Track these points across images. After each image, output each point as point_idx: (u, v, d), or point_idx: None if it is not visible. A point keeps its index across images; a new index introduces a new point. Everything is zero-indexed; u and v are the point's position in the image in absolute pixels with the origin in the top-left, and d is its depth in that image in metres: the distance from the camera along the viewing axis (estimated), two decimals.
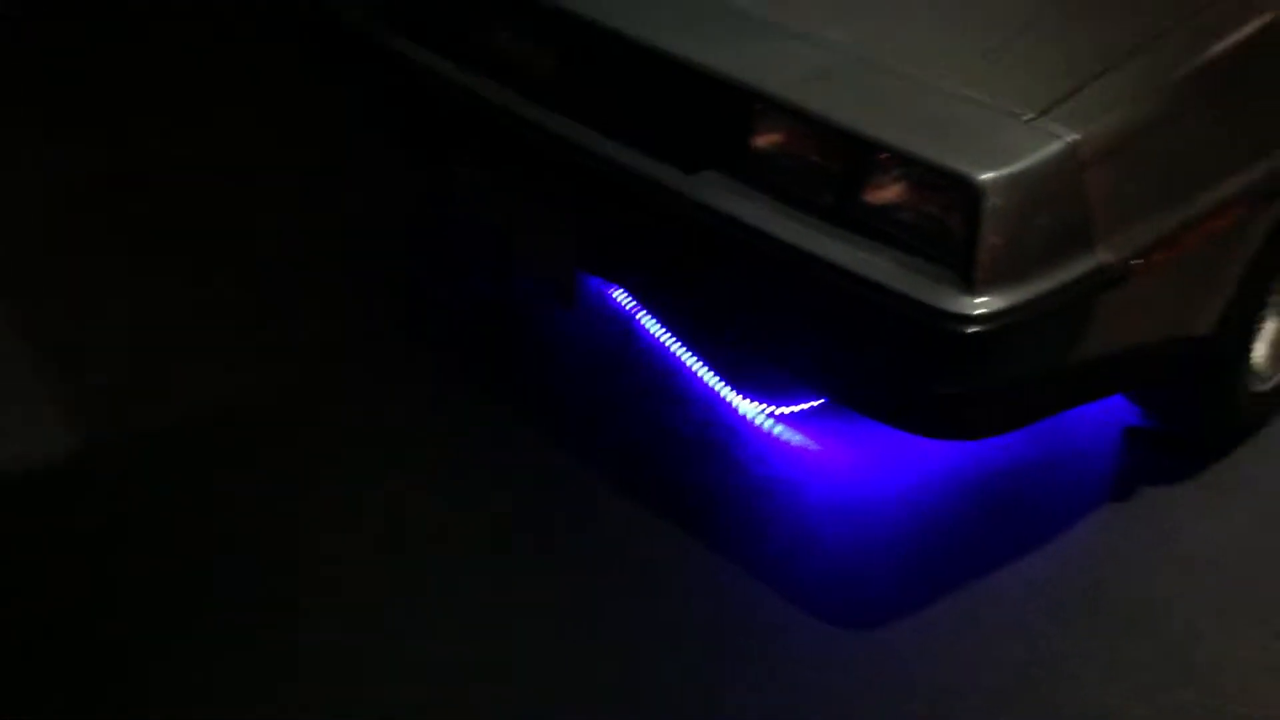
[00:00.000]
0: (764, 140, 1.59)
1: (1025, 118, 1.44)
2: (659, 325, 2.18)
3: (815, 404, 2.06)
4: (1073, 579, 1.83)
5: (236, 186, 2.66)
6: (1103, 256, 1.46)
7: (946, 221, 1.44)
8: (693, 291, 1.76)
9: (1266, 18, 1.61)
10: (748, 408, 2.11)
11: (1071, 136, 1.42)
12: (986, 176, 1.39)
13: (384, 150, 2.63)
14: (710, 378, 2.14)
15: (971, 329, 1.41)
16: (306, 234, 2.54)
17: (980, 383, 1.50)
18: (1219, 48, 1.57)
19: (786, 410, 2.09)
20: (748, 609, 1.78)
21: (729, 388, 2.12)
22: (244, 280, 2.40)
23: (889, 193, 1.49)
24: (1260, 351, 1.94)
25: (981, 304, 1.42)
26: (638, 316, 2.22)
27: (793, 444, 2.07)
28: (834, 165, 1.53)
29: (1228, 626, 1.75)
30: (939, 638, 1.74)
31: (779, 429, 2.10)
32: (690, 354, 2.15)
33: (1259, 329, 1.89)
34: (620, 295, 2.22)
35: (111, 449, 2.04)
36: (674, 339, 2.17)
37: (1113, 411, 2.03)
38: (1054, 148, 1.41)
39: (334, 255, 2.49)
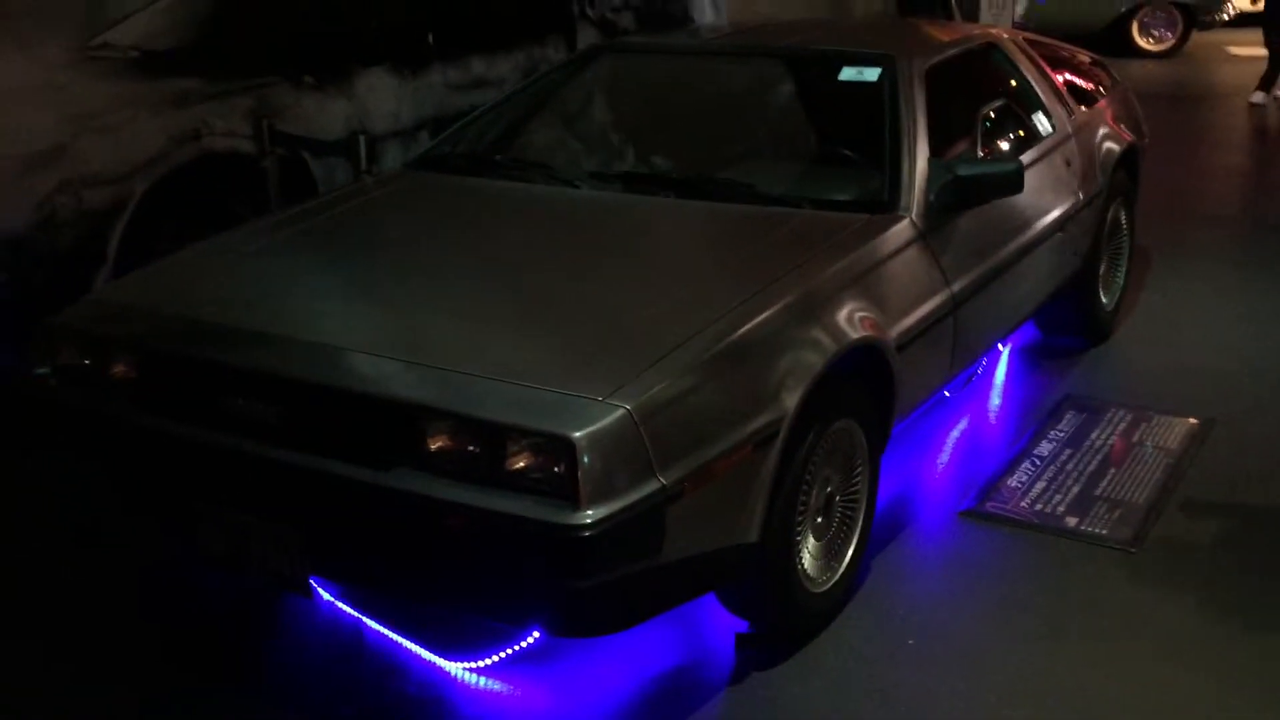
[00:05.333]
0: (433, 439, 2.31)
1: (598, 398, 2.25)
2: (374, 618, 2.77)
3: (505, 653, 2.67)
4: None
5: None
6: (662, 479, 2.24)
7: (558, 468, 2.19)
8: (392, 561, 2.39)
9: (755, 322, 2.54)
10: (453, 667, 2.69)
11: (627, 406, 2.23)
12: (578, 434, 2.16)
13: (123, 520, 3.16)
14: (422, 650, 2.72)
15: (584, 533, 2.13)
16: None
17: (597, 576, 2.19)
18: (727, 342, 2.47)
19: (482, 663, 2.68)
20: None
21: (437, 654, 2.70)
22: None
23: (520, 459, 2.23)
24: (808, 561, 2.75)
25: (586, 516, 2.14)
26: (356, 612, 2.80)
27: (495, 691, 2.65)
28: (481, 448, 2.26)
29: None
30: None
31: (481, 680, 2.68)
32: (400, 633, 2.73)
33: (800, 542, 2.70)
34: (341, 600, 2.80)
35: None
36: (388, 625, 2.76)
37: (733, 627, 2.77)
38: (618, 414, 2.21)
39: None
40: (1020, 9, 9.61)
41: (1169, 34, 12.33)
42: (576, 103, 3.90)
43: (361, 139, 3.93)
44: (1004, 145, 3.74)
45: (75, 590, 3.04)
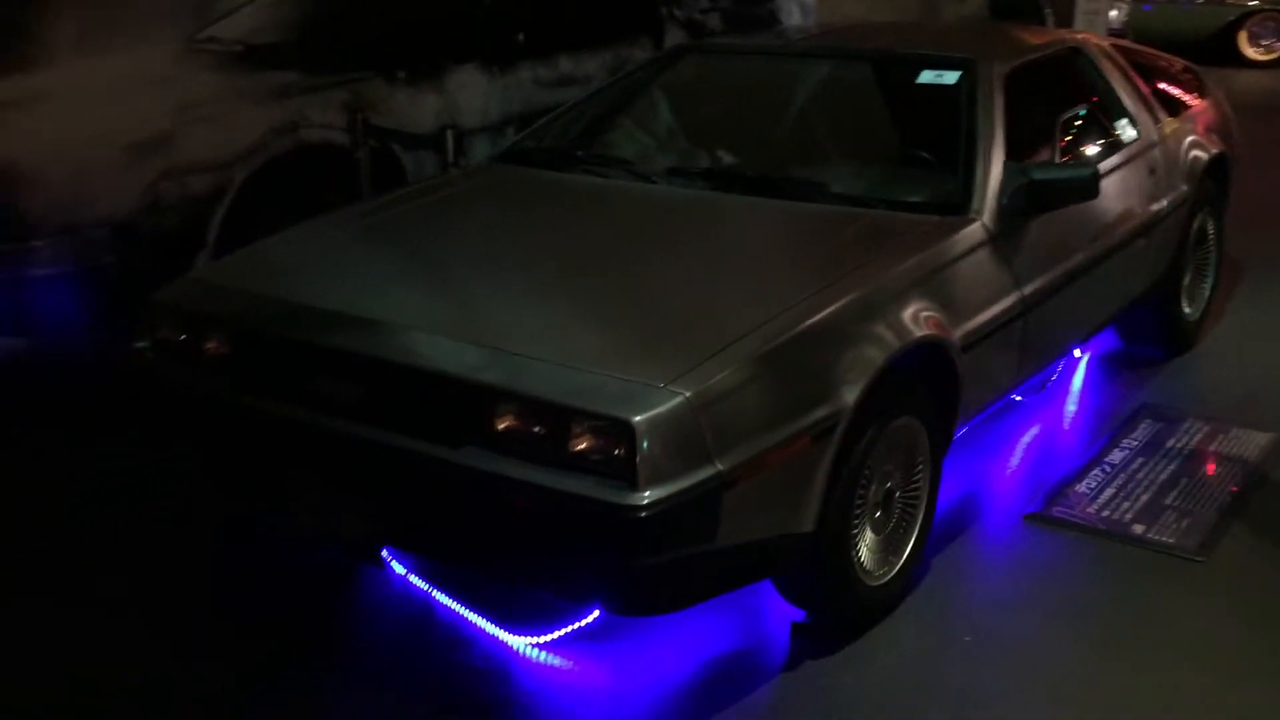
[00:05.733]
0: (501, 419, 2.41)
1: (659, 385, 2.32)
2: (443, 590, 2.89)
3: (566, 630, 2.76)
4: None
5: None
6: (719, 465, 2.31)
7: (618, 450, 2.27)
8: (459, 535, 2.50)
9: (819, 316, 2.60)
10: (517, 641, 2.79)
11: (686, 393, 2.30)
12: (638, 418, 2.25)
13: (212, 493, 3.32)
14: (487, 623, 2.82)
15: (640, 514, 2.22)
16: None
17: (653, 556, 2.28)
18: (790, 335, 2.53)
19: (544, 639, 2.78)
20: None
21: (502, 628, 2.81)
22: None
23: (583, 441, 2.32)
24: (865, 554, 2.80)
25: (643, 497, 2.22)
26: (427, 587, 2.92)
27: (555, 666, 2.75)
28: (546, 429, 2.36)
29: None
30: None
31: (542, 655, 2.78)
32: (467, 606, 2.85)
33: (857, 534, 2.75)
34: (414, 574, 2.92)
35: None
36: (456, 598, 2.87)
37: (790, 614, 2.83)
38: (677, 400, 2.29)
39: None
40: (1120, 16, 9.45)
41: (1279, 43, 12.00)
42: (658, 101, 3.98)
43: (450, 133, 4.07)
44: (1084, 151, 3.74)
45: (169, 565, 3.19)
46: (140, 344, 2.92)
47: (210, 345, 2.82)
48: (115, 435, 3.47)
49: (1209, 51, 11.76)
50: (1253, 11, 11.96)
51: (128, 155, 3.98)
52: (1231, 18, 12.01)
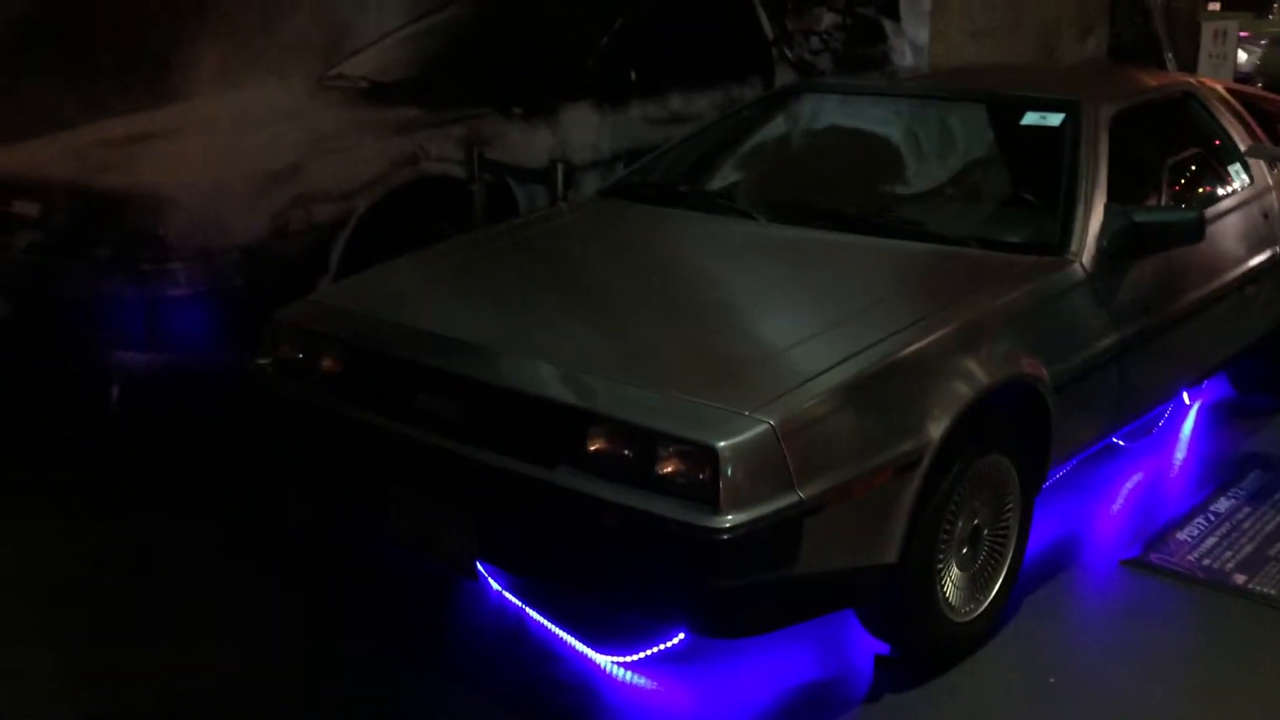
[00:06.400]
0: (593, 441, 2.50)
1: (744, 412, 2.39)
2: (535, 607, 2.99)
3: (652, 651, 2.84)
4: None
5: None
6: (801, 493, 2.37)
7: (702, 474, 2.34)
8: (550, 551, 2.60)
9: (908, 350, 2.64)
10: (603, 659, 2.87)
11: (771, 421, 2.37)
12: (722, 444, 2.32)
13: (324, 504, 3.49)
14: (575, 641, 2.91)
15: (722, 536, 2.28)
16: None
17: (733, 579, 2.34)
18: (877, 368, 2.58)
19: (630, 658, 2.86)
20: None
21: (590, 646, 2.89)
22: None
23: (669, 464, 2.40)
24: (950, 590, 2.81)
25: (725, 520, 2.29)
26: (520, 603, 3.02)
27: (639, 685, 2.82)
28: (635, 452, 2.44)
29: None
30: None
31: (627, 674, 2.85)
32: (557, 623, 2.94)
33: (942, 569, 2.76)
34: (508, 591, 3.03)
35: None
36: (547, 615, 2.97)
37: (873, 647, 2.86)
38: (761, 428, 2.36)
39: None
40: (1252, 59, 9.22)
41: None
42: (763, 139, 4.07)
43: (560, 167, 4.22)
44: (1193, 194, 3.70)
45: (277, 571, 3.37)
46: (262, 360, 3.10)
47: (325, 363, 2.98)
48: (235, 442, 3.66)
49: None
50: None
51: (260, 185, 4.22)
52: None
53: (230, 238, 4.18)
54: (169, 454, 4.02)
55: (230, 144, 4.17)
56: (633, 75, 5.11)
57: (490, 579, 3.05)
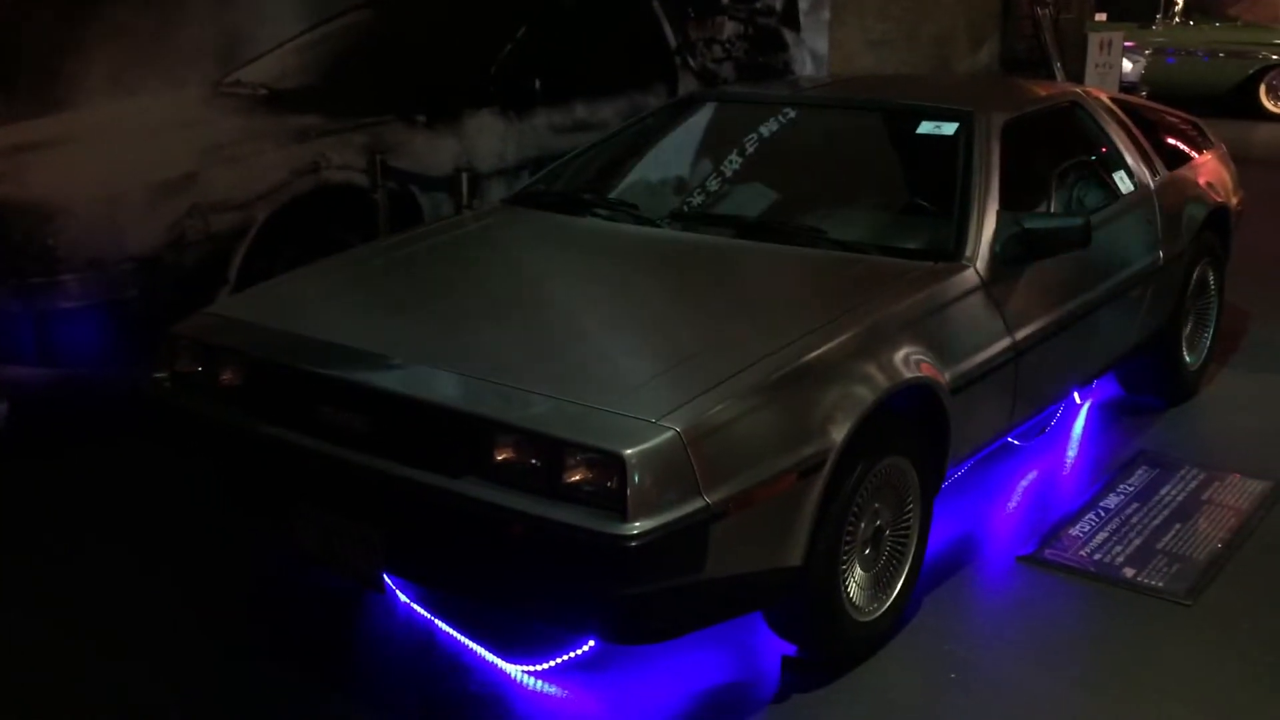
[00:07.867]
0: (500, 451, 2.50)
1: (651, 420, 2.41)
2: (443, 618, 2.97)
3: (562, 659, 2.84)
4: None
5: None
6: (707, 498, 2.39)
7: (610, 482, 2.36)
8: (457, 563, 2.59)
9: (810, 356, 2.69)
10: (513, 669, 2.87)
11: (677, 428, 2.39)
12: (629, 451, 2.34)
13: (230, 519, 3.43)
14: (485, 651, 2.90)
15: (630, 544, 2.30)
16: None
17: (642, 585, 2.35)
18: (780, 374, 2.62)
19: (540, 667, 2.86)
20: None
21: (499, 656, 2.88)
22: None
23: (577, 473, 2.41)
24: (854, 590, 2.86)
25: (633, 528, 2.31)
26: (429, 614, 3.00)
27: (550, 694, 2.82)
28: (542, 461, 2.45)
29: None
30: None
31: (538, 683, 2.85)
32: (466, 634, 2.93)
33: (846, 570, 2.81)
34: (416, 602, 3.01)
35: None
36: (455, 626, 2.95)
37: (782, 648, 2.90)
38: (668, 435, 2.38)
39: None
40: (1138, 69, 9.55)
41: None
42: (666, 147, 4.10)
43: (464, 175, 4.21)
44: (1080, 201, 3.82)
45: (183, 590, 3.30)
46: (159, 375, 3.04)
47: (225, 376, 2.93)
48: (132, 457, 3.58)
49: (1230, 104, 11.87)
50: (1273, 65, 12.06)
51: (154, 194, 4.13)
52: (1252, 71, 12.13)
53: (124, 248, 4.08)
54: (62, 471, 3.91)
55: (123, 152, 4.08)
56: (538, 83, 5.12)
57: (398, 591, 3.03)
